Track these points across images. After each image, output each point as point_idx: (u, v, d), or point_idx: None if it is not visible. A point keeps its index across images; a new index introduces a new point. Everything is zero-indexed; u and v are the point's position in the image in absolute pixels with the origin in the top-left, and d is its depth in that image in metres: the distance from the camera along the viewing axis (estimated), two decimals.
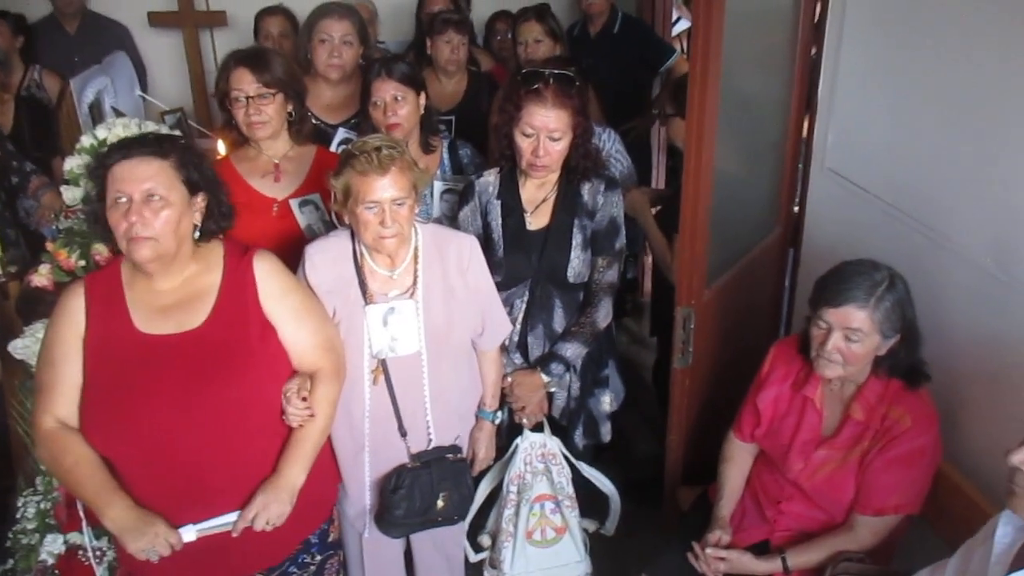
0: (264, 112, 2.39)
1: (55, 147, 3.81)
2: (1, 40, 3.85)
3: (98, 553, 2.15)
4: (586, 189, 2.38)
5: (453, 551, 2.51)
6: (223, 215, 1.97)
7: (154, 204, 1.80)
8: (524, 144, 2.28)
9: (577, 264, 2.38)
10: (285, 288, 1.97)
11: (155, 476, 1.83)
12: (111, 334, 1.85)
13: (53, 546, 2.17)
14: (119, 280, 1.91)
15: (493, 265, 2.29)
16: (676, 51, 4.20)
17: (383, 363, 2.13)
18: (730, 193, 2.55)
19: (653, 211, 3.04)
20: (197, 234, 1.91)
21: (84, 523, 2.08)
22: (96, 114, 3.36)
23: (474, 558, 2.60)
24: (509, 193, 2.41)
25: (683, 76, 2.81)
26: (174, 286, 1.89)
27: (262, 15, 3.78)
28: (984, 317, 2.06)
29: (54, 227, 2.44)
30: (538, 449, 2.46)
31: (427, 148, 2.70)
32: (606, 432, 2.62)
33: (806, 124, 2.85)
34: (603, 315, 2.43)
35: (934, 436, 2.01)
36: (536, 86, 2.24)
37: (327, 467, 2.18)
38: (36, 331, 2.15)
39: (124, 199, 1.80)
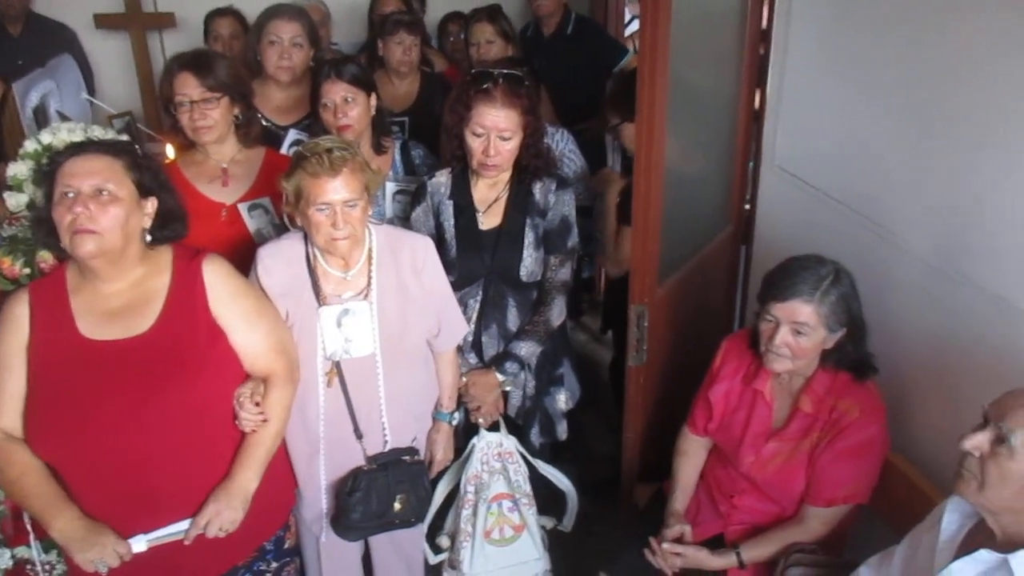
0: (209, 116, 2.36)
1: None
2: None
3: (47, 567, 2.10)
4: (538, 188, 2.39)
5: (412, 553, 2.50)
6: (175, 221, 1.94)
7: (102, 199, 1.78)
8: (475, 144, 2.29)
9: (530, 263, 2.39)
10: (235, 291, 1.95)
11: (104, 485, 1.81)
12: (56, 341, 1.81)
13: (0, 561, 2.13)
14: (64, 286, 1.87)
15: (446, 265, 2.29)
16: (629, 51, 4.23)
17: (337, 365, 2.12)
18: (682, 191, 2.58)
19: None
20: (148, 238, 1.88)
21: (32, 536, 2.03)
22: (41, 118, 3.29)
23: (433, 560, 2.60)
24: (461, 193, 2.42)
25: (621, 84, 2.82)
26: (120, 289, 1.86)
27: (212, 16, 3.74)
28: (929, 310, 2.10)
29: None
30: (495, 448, 2.47)
31: (379, 149, 2.70)
32: (562, 430, 2.64)
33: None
34: (557, 313, 2.45)
35: (881, 427, 2.05)
36: (486, 86, 2.25)
37: (282, 472, 2.16)
38: None
39: (72, 192, 1.77)
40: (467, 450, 2.49)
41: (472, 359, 2.46)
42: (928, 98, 2.04)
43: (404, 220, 2.55)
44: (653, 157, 2.28)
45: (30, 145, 2.21)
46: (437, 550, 2.60)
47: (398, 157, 2.77)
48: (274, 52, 2.96)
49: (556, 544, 2.65)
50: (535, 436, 2.59)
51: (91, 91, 4.19)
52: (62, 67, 3.81)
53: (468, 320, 2.41)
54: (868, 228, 2.30)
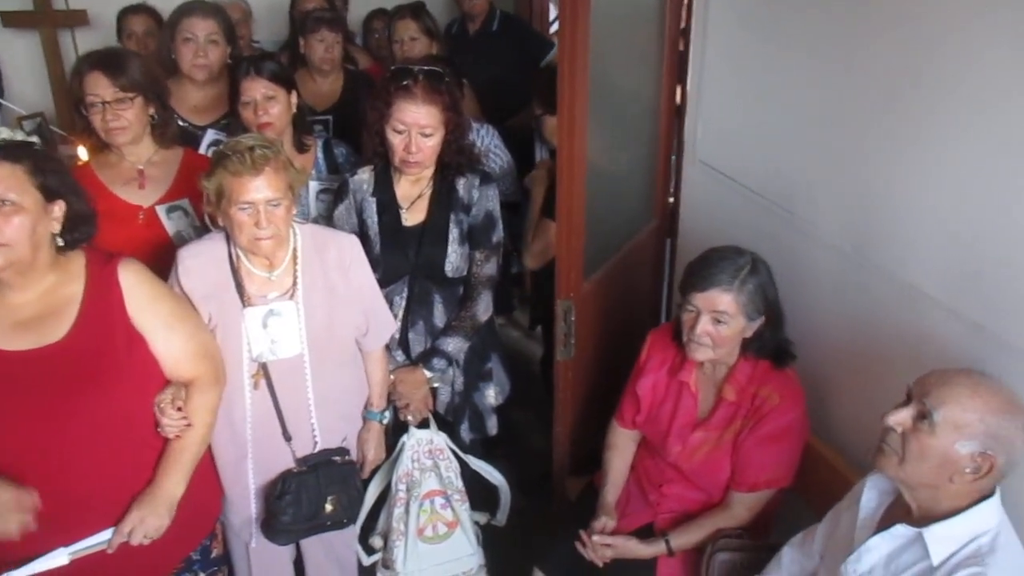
0: (123, 117, 2.29)
1: None
2: None
3: None
4: (461, 184, 2.40)
5: (345, 555, 2.48)
6: (84, 222, 1.88)
7: (5, 209, 1.70)
8: (396, 141, 2.28)
9: (455, 259, 2.39)
10: (153, 296, 1.91)
11: None
12: None
13: None
14: None
15: (371, 263, 2.27)
16: (555, 46, 4.25)
17: (264, 367, 2.09)
18: (606, 186, 2.61)
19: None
20: (60, 242, 1.82)
21: None
22: None
23: (367, 561, 2.58)
24: (384, 190, 2.41)
25: (546, 77, 2.85)
26: (31, 299, 1.79)
27: (125, 13, 3.62)
28: (844, 298, 2.17)
29: None
30: (425, 446, 2.46)
31: (301, 147, 2.67)
32: (492, 425, 2.65)
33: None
34: (483, 308, 2.45)
35: (801, 412, 2.11)
36: (406, 83, 2.25)
37: (208, 479, 2.12)
38: None
39: None
40: (397, 448, 2.47)
41: (399, 357, 2.45)
42: (837, 93, 2.10)
43: (328, 219, 2.52)
44: (575, 151, 2.30)
45: None
46: (370, 551, 2.58)
47: (321, 155, 2.74)
48: (189, 50, 2.88)
49: (490, 539, 2.66)
50: (465, 432, 2.59)
51: (0, 92, 4.05)
52: None
53: (394, 317, 2.39)
54: (786, 220, 2.36)
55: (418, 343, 2.46)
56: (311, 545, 2.39)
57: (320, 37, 3.34)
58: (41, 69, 4.33)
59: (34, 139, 1.87)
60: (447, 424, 2.55)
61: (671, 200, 3.04)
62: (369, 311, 2.21)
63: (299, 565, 2.47)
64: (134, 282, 1.88)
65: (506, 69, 4.01)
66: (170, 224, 2.39)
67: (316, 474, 2.17)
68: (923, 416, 1.51)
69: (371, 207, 2.41)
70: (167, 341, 1.91)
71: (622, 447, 2.40)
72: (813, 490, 2.16)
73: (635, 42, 2.81)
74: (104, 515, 1.84)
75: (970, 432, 1.47)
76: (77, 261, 1.86)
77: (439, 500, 2.49)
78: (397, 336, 2.43)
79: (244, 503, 2.21)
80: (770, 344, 2.10)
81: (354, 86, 3.42)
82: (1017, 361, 1.64)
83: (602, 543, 2.20)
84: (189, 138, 2.72)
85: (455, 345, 2.43)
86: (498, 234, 2.45)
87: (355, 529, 2.46)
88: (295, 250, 2.10)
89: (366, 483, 2.45)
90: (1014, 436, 1.48)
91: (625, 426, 2.38)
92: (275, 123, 2.56)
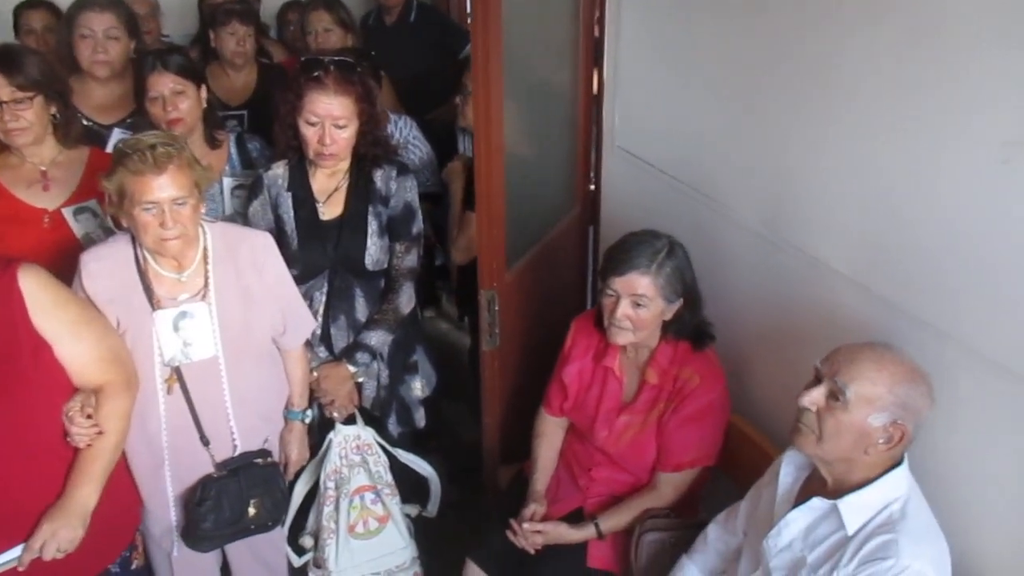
0: (22, 118, 2.19)
1: None
2: None
3: None
4: (379, 176, 2.37)
5: (274, 558, 2.44)
6: None
7: None
8: (309, 133, 2.24)
9: (375, 251, 2.37)
10: (57, 301, 1.83)
11: None
12: None
13: None
14: None
15: (288, 259, 2.23)
16: None
17: (177, 371, 2.03)
18: (526, 175, 2.60)
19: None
20: None
21: None
22: None
23: (298, 562, 2.54)
24: (299, 184, 2.36)
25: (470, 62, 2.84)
26: None
27: (21, 9, 3.47)
28: (760, 278, 2.22)
29: None
30: (352, 441, 2.44)
31: (213, 143, 2.60)
32: (420, 418, 2.63)
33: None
34: (406, 300, 2.43)
35: (721, 391, 2.15)
36: (317, 74, 2.21)
37: (124, 488, 2.06)
38: None
39: None
40: (324, 446, 2.44)
41: (322, 353, 2.42)
42: (750, 77, 2.14)
43: (244, 216, 2.47)
44: (492, 140, 2.29)
45: None
46: (301, 551, 2.54)
47: (234, 151, 2.67)
48: (87, 46, 2.76)
49: (423, 531, 2.65)
50: (393, 426, 2.57)
51: None
52: None
53: (315, 313, 2.36)
54: (703, 203, 2.39)
55: (340, 338, 2.42)
56: (237, 550, 2.34)
57: (231, 30, 3.27)
58: None
59: None
60: (374, 419, 2.53)
61: (592, 188, 3.06)
62: (286, 310, 2.17)
63: (227, 571, 2.42)
64: (36, 287, 1.80)
65: (425, 61, 3.98)
66: (78, 227, 2.31)
67: (237, 478, 2.12)
68: (835, 394, 1.56)
69: (287, 202, 2.36)
70: (73, 347, 1.84)
71: (550, 435, 2.41)
72: (738, 467, 2.19)
73: (550, 29, 2.81)
74: (12, 531, 1.78)
75: (881, 404, 1.53)
76: None
77: (369, 495, 2.47)
78: (319, 331, 2.40)
79: (163, 512, 2.15)
80: (689, 326, 2.13)
81: (268, 80, 3.36)
82: (921, 332, 1.69)
83: (532, 530, 2.20)
84: (95, 138, 2.62)
85: (378, 338, 2.40)
86: (418, 225, 2.43)
87: (283, 531, 2.42)
88: (205, 249, 2.04)
89: (292, 483, 2.41)
90: (920, 403, 1.55)
91: (553, 414, 2.39)
92: (185, 119, 2.49)
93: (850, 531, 1.57)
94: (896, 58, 1.68)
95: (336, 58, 2.26)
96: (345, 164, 2.36)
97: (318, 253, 2.35)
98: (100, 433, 1.85)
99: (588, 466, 2.31)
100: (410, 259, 2.42)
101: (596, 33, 2.89)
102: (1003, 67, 1.46)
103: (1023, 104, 1.44)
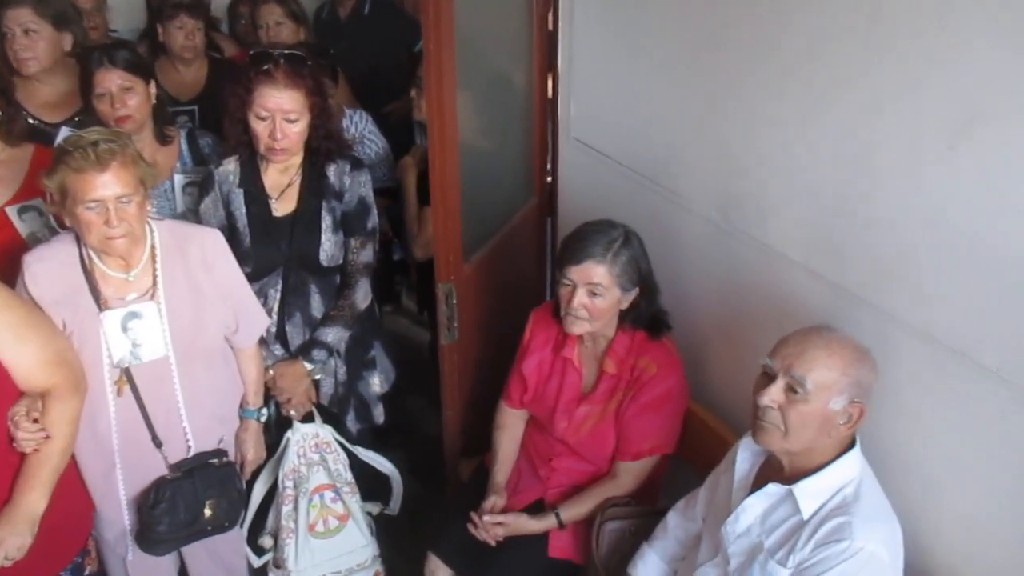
0: None
1: None
2: None
3: None
4: (332, 171, 2.34)
5: (232, 560, 2.41)
6: None
7: None
8: (260, 128, 2.21)
9: (329, 247, 2.34)
10: (0, 304, 1.79)
11: None
12: None
13: None
14: None
15: (241, 256, 2.20)
16: None
17: (127, 372, 2.00)
18: (482, 167, 2.59)
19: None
20: None
21: None
22: None
23: (257, 562, 2.51)
24: (251, 180, 2.33)
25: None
26: None
27: None
28: (715, 266, 2.23)
29: None
30: (311, 440, 2.41)
31: (163, 140, 2.55)
32: (379, 414, 2.61)
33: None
34: (362, 296, 2.41)
35: (679, 379, 2.16)
36: (266, 67, 2.18)
37: (75, 493, 2.02)
38: None
39: None
40: (282, 444, 2.41)
41: (278, 350, 2.39)
42: (699, 65, 2.14)
43: (196, 213, 2.42)
44: (446, 133, 2.27)
45: None
46: (260, 551, 2.51)
47: (185, 147, 2.62)
48: (9, 44, 2.66)
49: (384, 529, 2.63)
50: (352, 422, 2.55)
51: None
52: None
53: (270, 311, 2.33)
54: (658, 192, 2.40)
55: (296, 335, 2.39)
56: (194, 553, 2.31)
57: (179, 24, 3.21)
58: None
59: None
60: (332, 416, 2.51)
61: (549, 179, 3.05)
62: (238, 308, 2.13)
63: (185, 575, 2.38)
64: None
65: (380, 54, 3.93)
66: (23, 226, 2.27)
67: (192, 479, 2.10)
68: (794, 388, 1.57)
69: (238, 199, 2.33)
70: (17, 350, 1.80)
71: (511, 427, 2.40)
72: (697, 455, 2.21)
73: (504, 22, 2.79)
74: None
75: (838, 388, 1.55)
76: None
77: (329, 494, 2.44)
78: (274, 329, 2.37)
79: (116, 516, 2.11)
80: (645, 315, 2.13)
81: (219, 74, 3.30)
82: (868, 315, 1.72)
83: (493, 522, 2.20)
84: (42, 137, 2.54)
85: (335, 335, 2.37)
86: (373, 220, 2.41)
87: (241, 532, 2.39)
88: (153, 248, 2.00)
89: (251, 483, 2.39)
90: (870, 378, 1.59)
91: (513, 406, 2.38)
92: (134, 115, 2.45)
93: (805, 515, 1.59)
94: (839, 45, 1.70)
95: (286, 51, 2.23)
96: (297, 159, 2.33)
97: (271, 250, 2.32)
98: (47, 438, 1.82)
99: (548, 457, 2.31)
100: (365, 254, 2.40)
101: (550, 25, 2.87)
102: (947, 53, 1.48)
103: (967, 90, 1.46)
